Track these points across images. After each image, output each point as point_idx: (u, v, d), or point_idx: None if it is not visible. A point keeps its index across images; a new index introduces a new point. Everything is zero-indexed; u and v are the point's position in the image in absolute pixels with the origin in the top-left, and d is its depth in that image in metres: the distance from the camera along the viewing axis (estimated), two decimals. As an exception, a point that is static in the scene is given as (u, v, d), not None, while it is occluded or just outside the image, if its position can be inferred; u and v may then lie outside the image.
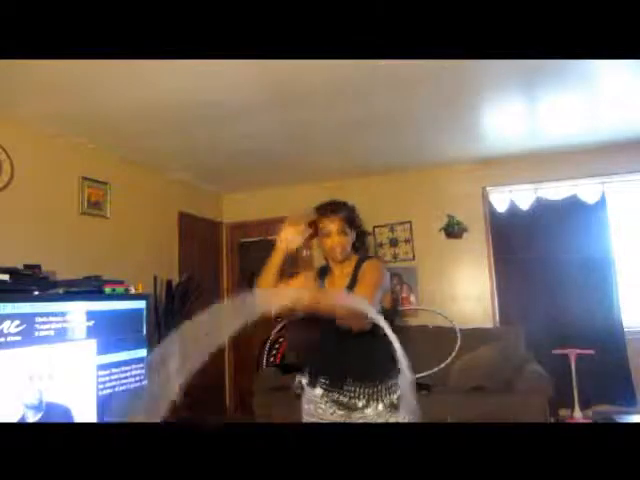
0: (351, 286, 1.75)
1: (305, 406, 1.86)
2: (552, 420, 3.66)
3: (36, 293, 2.50)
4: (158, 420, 1.19)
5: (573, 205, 4.32)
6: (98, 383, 2.65)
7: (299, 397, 1.90)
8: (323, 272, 1.92)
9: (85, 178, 3.57)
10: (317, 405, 1.80)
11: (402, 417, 1.69)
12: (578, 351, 3.83)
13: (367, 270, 1.74)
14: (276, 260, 1.77)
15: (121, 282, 3.01)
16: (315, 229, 1.83)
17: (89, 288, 2.83)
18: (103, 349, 2.69)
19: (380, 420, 1.70)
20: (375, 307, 1.52)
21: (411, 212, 4.75)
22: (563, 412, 3.98)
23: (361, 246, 1.90)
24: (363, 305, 1.40)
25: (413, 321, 4.50)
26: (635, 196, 4.31)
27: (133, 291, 3.04)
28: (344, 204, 1.89)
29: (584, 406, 3.89)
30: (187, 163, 4.30)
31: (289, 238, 1.77)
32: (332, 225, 1.79)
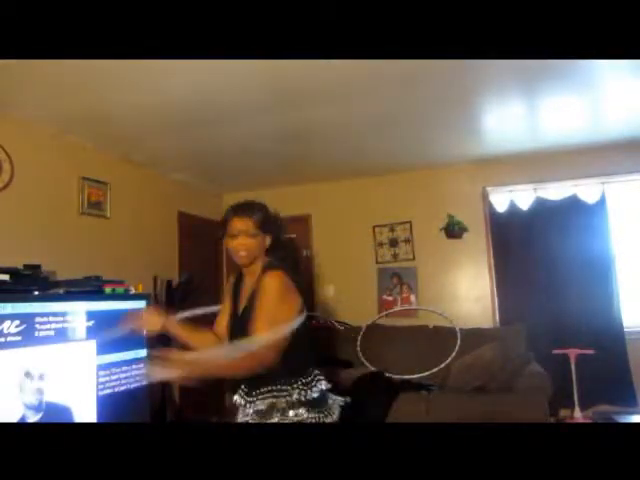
0: (251, 300, 1.68)
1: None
2: (552, 420, 3.66)
3: (36, 293, 2.50)
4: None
5: (573, 205, 4.32)
6: (98, 383, 2.65)
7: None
8: (238, 280, 1.84)
9: (85, 178, 3.57)
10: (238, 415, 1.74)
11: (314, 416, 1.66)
12: (578, 351, 3.83)
13: (263, 292, 1.62)
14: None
15: (121, 282, 3.01)
16: (225, 229, 1.75)
17: (89, 288, 2.83)
18: (103, 349, 2.69)
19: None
20: (279, 329, 1.54)
21: (411, 212, 4.75)
22: (563, 412, 3.98)
23: (277, 252, 1.77)
24: (255, 343, 1.49)
25: (413, 321, 4.50)
26: (635, 196, 4.31)
27: (133, 291, 3.04)
28: (259, 206, 1.77)
29: (584, 406, 3.88)
30: (187, 163, 4.29)
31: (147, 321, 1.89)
32: (239, 225, 1.69)
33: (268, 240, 1.75)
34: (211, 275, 5.15)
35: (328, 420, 1.68)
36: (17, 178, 3.05)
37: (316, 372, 1.73)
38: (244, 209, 1.73)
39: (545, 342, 4.00)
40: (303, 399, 1.65)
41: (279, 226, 1.80)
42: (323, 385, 1.71)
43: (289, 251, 1.84)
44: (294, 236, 1.95)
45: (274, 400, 1.66)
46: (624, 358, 4.04)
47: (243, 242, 1.69)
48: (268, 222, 1.75)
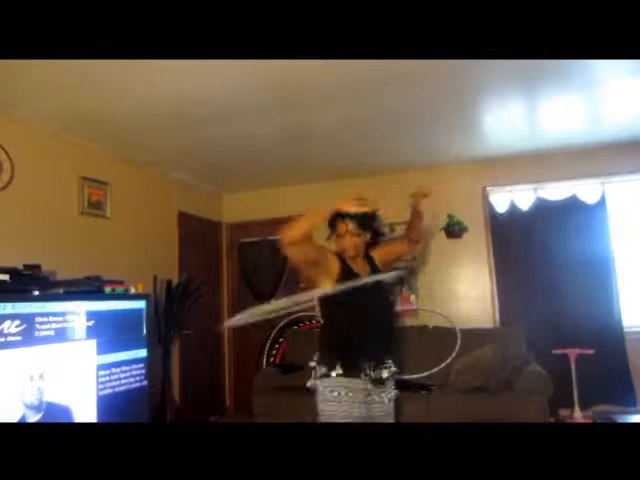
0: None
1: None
2: (552, 420, 3.66)
3: (36, 293, 2.50)
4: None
5: (573, 205, 4.32)
6: (98, 383, 2.65)
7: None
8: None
9: (85, 178, 3.57)
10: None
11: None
12: (578, 351, 3.83)
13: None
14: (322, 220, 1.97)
15: (121, 282, 3.01)
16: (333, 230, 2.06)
17: (89, 288, 2.83)
18: (103, 349, 2.69)
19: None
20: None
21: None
22: (563, 412, 3.97)
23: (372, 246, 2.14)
24: None
25: (413, 321, 4.50)
26: (635, 196, 4.31)
27: (133, 291, 3.04)
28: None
29: (584, 406, 3.88)
30: (187, 163, 4.29)
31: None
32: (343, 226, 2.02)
33: (368, 236, 2.07)
34: (211, 275, 5.15)
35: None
36: (17, 178, 3.05)
37: None
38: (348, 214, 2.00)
39: (545, 342, 4.00)
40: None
41: (378, 223, 2.13)
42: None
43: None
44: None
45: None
46: (624, 358, 4.04)
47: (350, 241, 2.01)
48: (367, 222, 2.05)
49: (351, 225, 2.00)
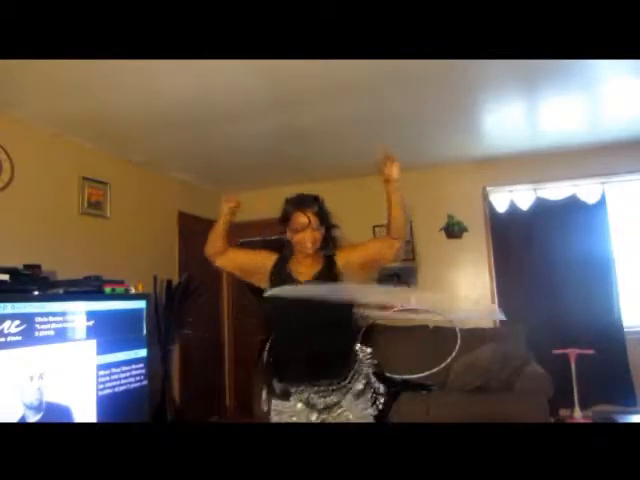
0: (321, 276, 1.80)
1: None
2: (552, 420, 3.66)
3: (36, 293, 2.50)
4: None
5: (573, 205, 4.32)
6: (98, 383, 2.65)
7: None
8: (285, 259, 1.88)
9: (85, 178, 3.57)
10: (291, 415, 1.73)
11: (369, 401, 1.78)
12: (578, 351, 3.83)
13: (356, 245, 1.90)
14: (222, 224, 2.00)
15: (121, 282, 3.01)
16: (286, 222, 1.86)
17: (89, 288, 2.83)
18: (103, 349, 2.69)
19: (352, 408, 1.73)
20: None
21: (411, 212, 4.75)
22: (563, 412, 3.98)
23: (330, 242, 1.89)
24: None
25: (413, 321, 4.49)
26: (635, 196, 4.31)
27: (133, 291, 3.04)
28: (316, 198, 1.87)
29: (584, 406, 3.89)
30: (187, 163, 4.29)
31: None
32: (304, 220, 1.80)
33: (323, 230, 1.84)
34: (211, 275, 5.15)
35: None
36: (17, 178, 3.05)
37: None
38: (305, 203, 1.82)
39: (545, 342, 4.00)
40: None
41: (331, 216, 1.91)
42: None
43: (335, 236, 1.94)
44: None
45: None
46: (624, 358, 4.05)
47: (310, 235, 1.79)
48: (325, 214, 1.85)
49: (313, 218, 1.78)
